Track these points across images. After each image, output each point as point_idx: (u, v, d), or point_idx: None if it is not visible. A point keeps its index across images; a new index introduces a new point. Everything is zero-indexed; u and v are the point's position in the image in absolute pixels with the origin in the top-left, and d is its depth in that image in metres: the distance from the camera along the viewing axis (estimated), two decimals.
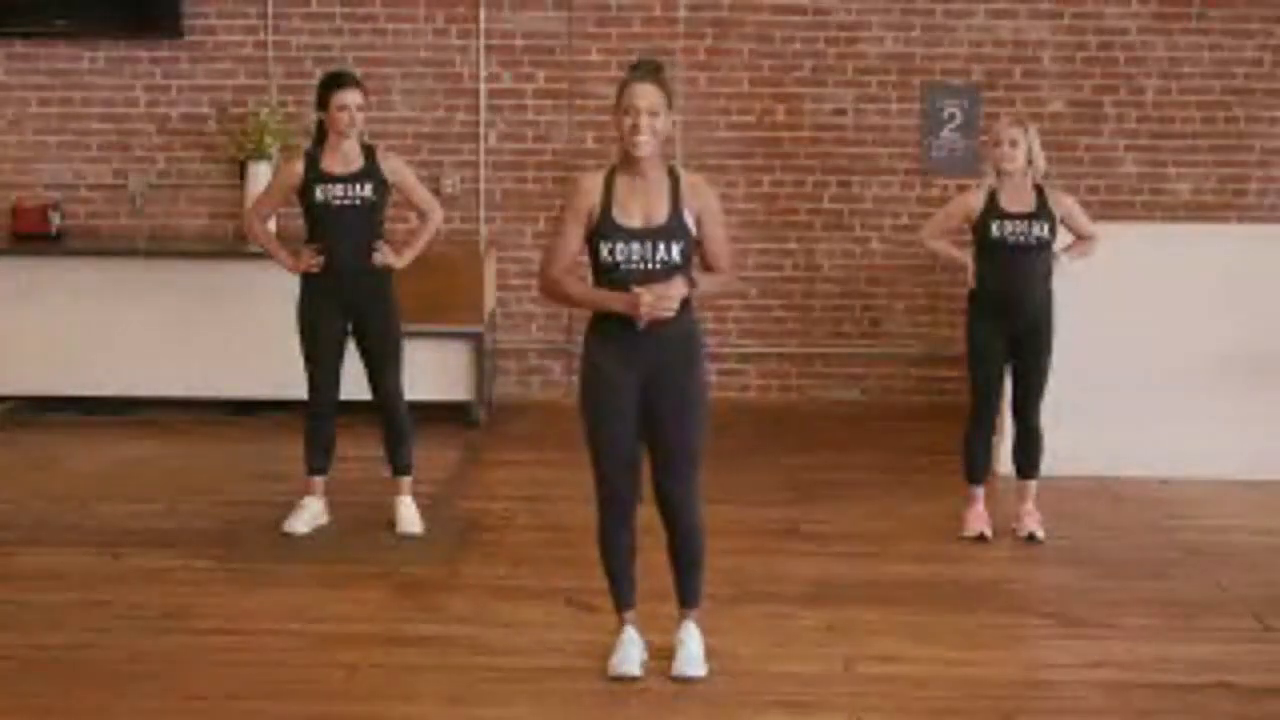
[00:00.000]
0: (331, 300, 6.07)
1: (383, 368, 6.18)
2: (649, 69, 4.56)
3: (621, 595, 4.77)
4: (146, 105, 8.63)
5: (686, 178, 4.61)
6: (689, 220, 4.52)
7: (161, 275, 8.09)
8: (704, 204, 4.57)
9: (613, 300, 4.47)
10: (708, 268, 4.64)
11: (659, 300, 4.41)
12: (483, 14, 8.54)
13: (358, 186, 6.01)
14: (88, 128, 8.65)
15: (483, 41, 8.56)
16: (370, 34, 8.55)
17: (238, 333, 7.94)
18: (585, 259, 4.60)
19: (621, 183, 4.54)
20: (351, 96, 5.98)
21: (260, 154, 8.26)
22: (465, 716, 4.46)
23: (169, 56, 8.56)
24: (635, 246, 4.45)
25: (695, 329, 4.65)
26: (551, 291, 4.62)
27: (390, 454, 6.30)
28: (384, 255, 6.08)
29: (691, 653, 4.72)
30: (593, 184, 4.55)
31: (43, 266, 8.17)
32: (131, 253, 8.25)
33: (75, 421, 8.01)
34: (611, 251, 4.46)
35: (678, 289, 4.44)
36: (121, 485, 6.88)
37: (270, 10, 8.55)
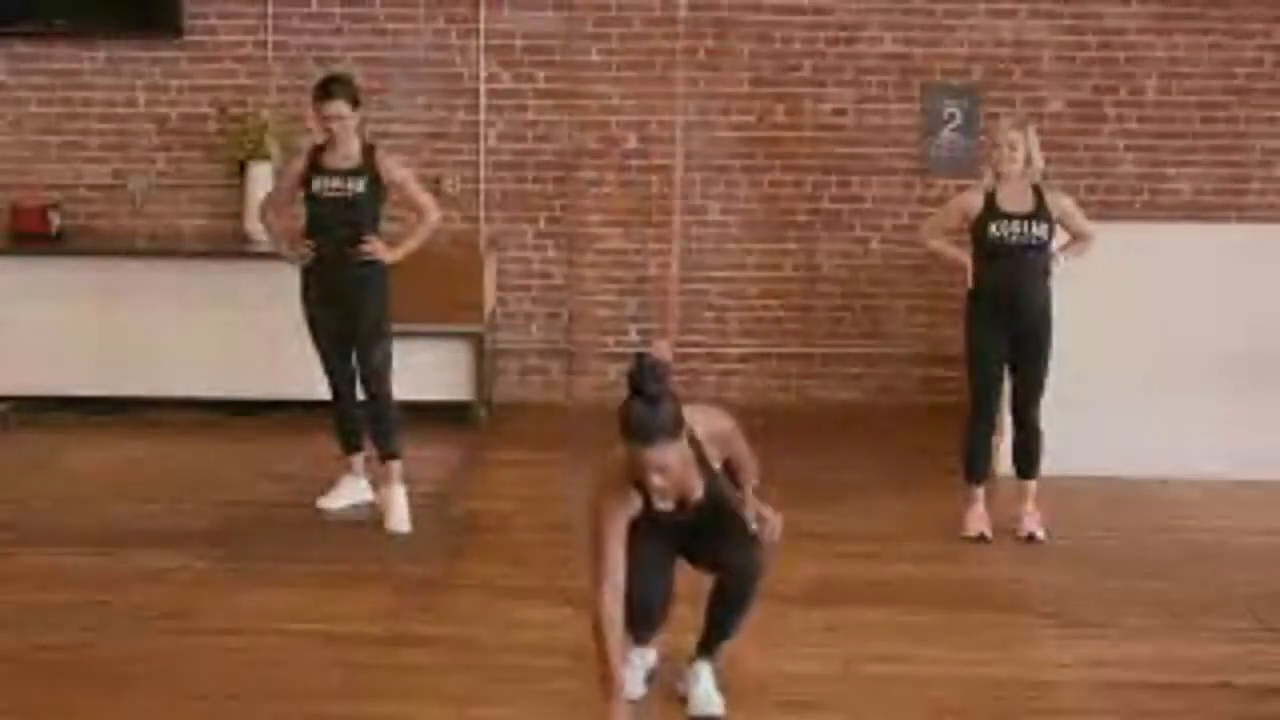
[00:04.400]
0: (324, 289, 6.26)
1: (368, 354, 6.29)
2: (648, 400, 4.01)
3: (640, 633, 4.59)
4: (146, 105, 8.62)
5: (704, 437, 4.27)
6: (717, 468, 4.34)
7: (161, 275, 8.09)
8: (726, 449, 4.37)
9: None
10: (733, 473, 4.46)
11: None
12: (483, 14, 8.54)
13: (349, 182, 6.20)
14: (88, 128, 8.64)
15: (483, 41, 8.56)
16: (370, 34, 8.55)
17: (238, 333, 7.93)
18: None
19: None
20: (333, 108, 6.15)
21: (260, 154, 8.27)
22: (465, 716, 4.46)
23: (169, 56, 8.56)
24: (673, 516, 4.29)
25: (736, 507, 4.44)
26: (598, 634, 4.15)
27: (376, 440, 6.38)
28: (373, 248, 6.21)
29: (709, 691, 4.51)
30: (628, 496, 4.17)
31: (43, 266, 8.17)
32: (131, 253, 8.25)
33: (75, 421, 8.00)
34: (651, 521, 4.24)
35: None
36: (121, 485, 6.88)
37: (270, 10, 8.54)
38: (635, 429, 4.02)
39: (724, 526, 4.40)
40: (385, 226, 6.40)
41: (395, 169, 6.33)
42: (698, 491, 4.29)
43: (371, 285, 6.25)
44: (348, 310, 6.24)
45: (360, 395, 6.36)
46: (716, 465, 4.36)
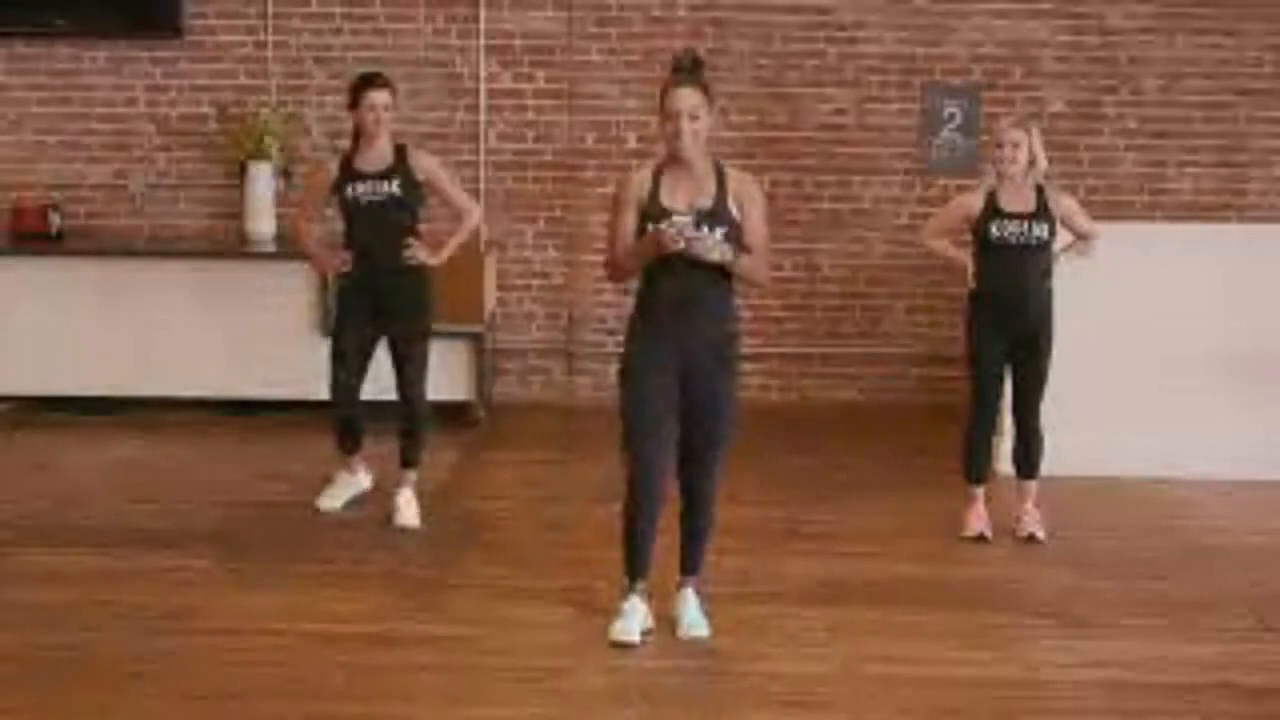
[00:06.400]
0: (364, 297, 6.16)
1: (409, 364, 6.23)
2: (689, 70, 4.74)
3: (639, 562, 4.92)
4: (146, 105, 8.63)
5: (732, 172, 4.87)
6: (733, 207, 4.75)
7: (161, 275, 8.09)
8: (747, 193, 4.83)
9: (648, 245, 4.69)
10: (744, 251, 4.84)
11: (680, 235, 4.62)
12: (483, 14, 8.54)
13: (385, 184, 6.09)
14: (88, 128, 8.65)
15: (483, 41, 8.56)
16: (370, 34, 8.55)
17: (238, 333, 7.94)
18: None
19: (668, 176, 4.79)
20: (380, 98, 6.09)
21: (260, 154, 8.27)
22: (465, 716, 4.46)
23: (169, 56, 8.57)
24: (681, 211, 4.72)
25: (734, 336, 4.90)
26: (615, 270, 4.89)
27: (403, 446, 6.34)
28: (416, 252, 6.13)
29: (696, 615, 5.01)
30: (640, 177, 4.82)
31: (43, 266, 8.17)
32: (131, 253, 8.25)
33: (75, 421, 8.00)
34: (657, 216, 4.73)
35: (710, 238, 4.64)
36: (121, 485, 6.87)
37: (270, 10, 8.55)
38: (679, 72, 4.74)
39: (716, 407, 4.84)
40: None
41: (430, 168, 6.21)
42: (708, 199, 4.74)
43: (416, 290, 6.16)
44: (389, 317, 6.15)
45: (395, 398, 6.29)
46: (733, 208, 4.76)
